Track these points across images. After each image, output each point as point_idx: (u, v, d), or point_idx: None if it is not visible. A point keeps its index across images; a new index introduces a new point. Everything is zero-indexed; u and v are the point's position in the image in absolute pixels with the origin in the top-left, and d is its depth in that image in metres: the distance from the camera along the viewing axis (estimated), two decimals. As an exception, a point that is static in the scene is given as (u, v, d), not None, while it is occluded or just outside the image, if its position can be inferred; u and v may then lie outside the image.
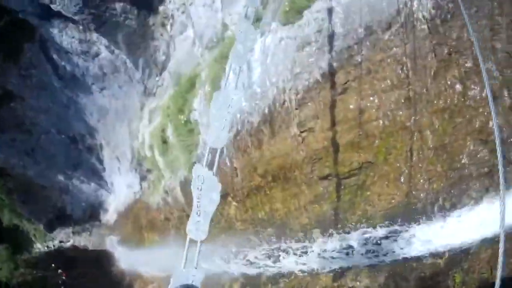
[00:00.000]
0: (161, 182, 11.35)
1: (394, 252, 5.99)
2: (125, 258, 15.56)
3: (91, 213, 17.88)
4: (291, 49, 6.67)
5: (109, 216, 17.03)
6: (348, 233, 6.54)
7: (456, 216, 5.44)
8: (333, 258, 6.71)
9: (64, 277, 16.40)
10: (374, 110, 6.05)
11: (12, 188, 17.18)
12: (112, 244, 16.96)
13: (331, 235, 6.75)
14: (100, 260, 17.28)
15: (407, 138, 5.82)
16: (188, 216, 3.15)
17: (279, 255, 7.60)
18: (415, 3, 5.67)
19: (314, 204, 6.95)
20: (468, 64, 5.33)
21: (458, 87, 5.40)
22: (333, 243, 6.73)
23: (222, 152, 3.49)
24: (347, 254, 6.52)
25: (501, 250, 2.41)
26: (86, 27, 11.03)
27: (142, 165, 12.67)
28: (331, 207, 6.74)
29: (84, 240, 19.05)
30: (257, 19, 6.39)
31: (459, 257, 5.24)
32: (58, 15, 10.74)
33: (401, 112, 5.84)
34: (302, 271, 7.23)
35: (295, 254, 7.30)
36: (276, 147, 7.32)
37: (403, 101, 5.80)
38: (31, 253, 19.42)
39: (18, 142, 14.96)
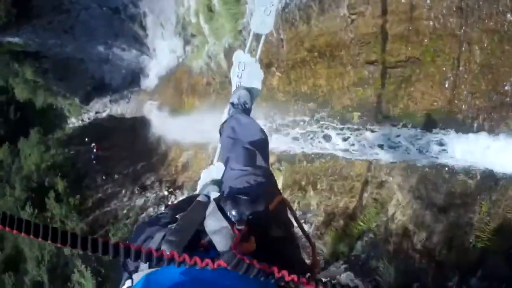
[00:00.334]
0: (205, 47, 11.39)
1: (430, 154, 6.12)
2: (163, 124, 15.63)
3: (132, 80, 18.47)
4: None
5: (150, 81, 17.41)
6: (389, 124, 6.68)
7: (492, 140, 5.43)
8: (370, 147, 6.93)
9: (95, 150, 16.51)
10: (425, 9, 5.88)
11: (48, 68, 17.62)
12: (151, 109, 17.13)
13: (371, 123, 6.95)
14: (135, 129, 17.62)
15: (456, 46, 5.69)
16: (230, 82, 3.12)
17: (317, 135, 7.93)
18: None
19: (358, 86, 7.07)
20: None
21: (509, 16, 5.12)
22: (371, 132, 6.93)
23: (266, 38, 3.24)
24: (384, 146, 6.72)
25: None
26: None
27: (186, 30, 12.56)
28: (374, 93, 6.84)
29: (121, 108, 19.93)
30: None
31: (489, 184, 5.28)
32: None
33: (452, 19, 5.65)
34: (338, 156, 7.49)
35: (333, 136, 7.58)
36: (325, 24, 7.29)
37: (454, 9, 5.59)
38: (65, 130, 20.39)
39: (56, 23, 15.06)
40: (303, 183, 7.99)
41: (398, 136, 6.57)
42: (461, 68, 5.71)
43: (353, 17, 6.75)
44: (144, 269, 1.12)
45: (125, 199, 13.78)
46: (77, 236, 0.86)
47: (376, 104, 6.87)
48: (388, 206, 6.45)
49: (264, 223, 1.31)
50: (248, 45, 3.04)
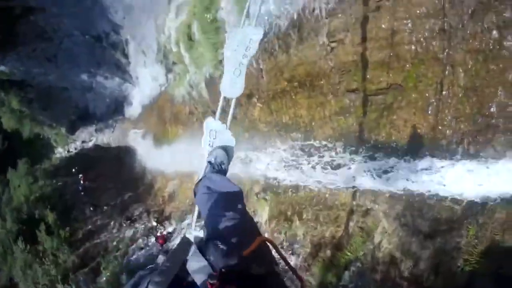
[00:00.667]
0: (186, 76, 11.44)
1: (414, 181, 6.07)
2: (147, 153, 15.71)
3: (115, 108, 18.38)
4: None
5: (133, 110, 17.41)
6: (371, 153, 6.63)
7: (477, 164, 5.40)
8: (353, 176, 6.86)
9: (82, 182, 16.56)
10: (407, 33, 5.82)
11: (33, 98, 17.58)
12: (135, 138, 17.22)
13: (354, 152, 6.90)
14: (120, 158, 17.80)
15: (439, 69, 5.62)
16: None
17: (301, 164, 7.88)
18: None
19: (340, 115, 7.03)
20: (507, 14, 4.95)
21: (495, 33, 5.06)
22: (355, 161, 6.86)
23: (237, 103, 3.03)
24: (368, 174, 6.65)
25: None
26: None
27: (168, 58, 12.67)
28: (356, 122, 6.80)
29: (107, 137, 19.95)
30: None
31: (476, 209, 5.26)
32: None
33: (434, 42, 5.61)
34: (322, 185, 7.45)
35: (317, 166, 7.54)
36: (304, 53, 7.28)
37: (437, 31, 5.53)
38: (52, 160, 20.28)
39: (39, 51, 15.08)
40: (288, 213, 7.97)
41: (382, 164, 6.55)
42: (444, 92, 5.66)
43: (333, 45, 6.74)
44: None
45: (114, 231, 13.71)
46: None
47: (358, 133, 6.83)
48: (374, 234, 6.46)
49: (241, 267, 1.50)
50: (218, 110, 2.94)
